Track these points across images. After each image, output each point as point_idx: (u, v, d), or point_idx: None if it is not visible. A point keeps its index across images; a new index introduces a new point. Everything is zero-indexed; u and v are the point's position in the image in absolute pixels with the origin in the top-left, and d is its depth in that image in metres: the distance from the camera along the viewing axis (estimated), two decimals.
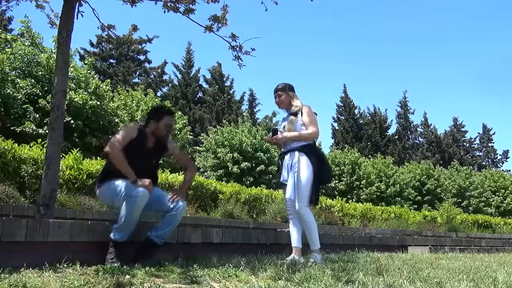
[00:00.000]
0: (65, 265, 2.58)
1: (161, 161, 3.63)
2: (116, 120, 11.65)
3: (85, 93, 10.76)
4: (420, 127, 38.89)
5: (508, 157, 38.33)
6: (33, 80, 10.40)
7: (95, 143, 10.66)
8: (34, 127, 9.71)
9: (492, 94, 64.84)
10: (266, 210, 8.73)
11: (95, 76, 12.57)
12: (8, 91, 9.75)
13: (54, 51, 10.51)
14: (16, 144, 6.01)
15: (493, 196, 22.37)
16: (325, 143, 47.99)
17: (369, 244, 6.12)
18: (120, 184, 3.13)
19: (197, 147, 17.75)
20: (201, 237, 3.83)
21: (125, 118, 11.91)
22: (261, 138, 15.58)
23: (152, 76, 31.30)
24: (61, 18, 3.74)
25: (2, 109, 9.71)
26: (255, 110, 30.94)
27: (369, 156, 24.79)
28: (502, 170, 31.51)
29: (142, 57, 31.80)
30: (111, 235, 3.07)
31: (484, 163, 38.01)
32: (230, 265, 2.89)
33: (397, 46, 59.18)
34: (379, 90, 61.21)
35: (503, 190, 22.67)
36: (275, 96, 3.89)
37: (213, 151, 15.69)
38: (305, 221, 3.63)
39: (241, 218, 7.76)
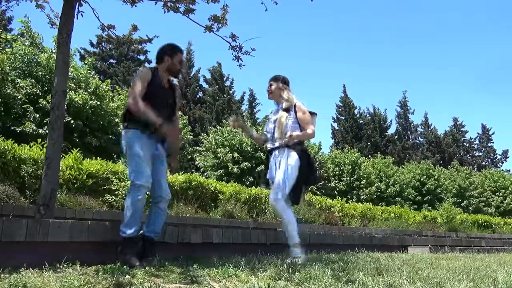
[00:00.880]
0: (65, 265, 2.58)
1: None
2: (116, 120, 11.65)
3: (85, 93, 10.77)
4: (420, 127, 38.91)
5: (508, 157, 38.35)
6: (33, 80, 10.41)
7: (95, 143, 10.67)
8: (34, 127, 9.72)
9: (492, 94, 64.90)
10: (266, 210, 8.73)
11: (95, 76, 12.58)
12: (8, 91, 9.76)
13: (54, 51, 10.52)
14: (16, 144, 6.00)
15: (493, 196, 22.38)
16: (325, 143, 48.05)
17: (369, 244, 6.12)
18: (136, 157, 3.12)
19: (197, 147, 17.75)
20: (201, 237, 3.83)
21: None
22: None
23: None
24: (61, 18, 3.74)
25: (2, 109, 9.72)
26: (255, 110, 30.94)
27: (369, 156, 24.79)
28: (502, 170, 31.53)
29: (142, 57, 31.80)
30: (121, 233, 3.07)
31: (484, 163, 38.02)
32: (230, 265, 2.88)
33: (397, 46, 59.22)
34: (379, 90, 61.25)
35: (503, 190, 22.68)
36: (268, 85, 3.83)
37: (213, 151, 15.69)
38: (280, 216, 3.61)
39: (241, 218, 7.76)
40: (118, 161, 7.89)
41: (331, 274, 2.61)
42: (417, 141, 38.55)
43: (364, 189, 17.91)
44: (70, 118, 9.99)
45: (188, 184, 7.66)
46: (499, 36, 58.28)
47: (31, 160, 5.85)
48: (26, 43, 10.95)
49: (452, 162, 27.10)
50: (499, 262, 4.37)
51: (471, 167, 29.41)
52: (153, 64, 3.54)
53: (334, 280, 2.39)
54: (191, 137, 16.82)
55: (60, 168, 4.83)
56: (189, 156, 16.78)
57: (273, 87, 3.75)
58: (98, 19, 4.38)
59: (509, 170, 33.05)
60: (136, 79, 3.29)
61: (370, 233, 8.81)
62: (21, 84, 10.13)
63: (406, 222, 11.94)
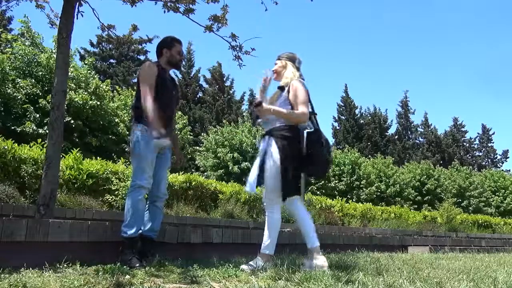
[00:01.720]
0: (65, 265, 2.58)
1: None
2: (116, 120, 11.65)
3: (85, 93, 10.78)
4: (420, 127, 38.92)
5: (508, 157, 38.37)
6: (33, 80, 10.42)
7: (95, 143, 10.67)
8: (34, 127, 9.73)
9: (492, 94, 64.92)
10: None
11: (95, 76, 12.58)
12: (9, 91, 9.77)
13: (54, 51, 10.52)
14: (16, 144, 6.01)
15: (493, 196, 22.39)
16: None
17: (369, 244, 6.12)
18: (140, 157, 3.14)
19: (197, 147, 17.75)
20: (201, 237, 3.83)
21: (125, 118, 11.91)
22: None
23: None
24: (61, 18, 3.74)
25: (2, 109, 9.72)
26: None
27: (369, 156, 24.79)
28: (502, 170, 31.52)
29: (142, 57, 31.79)
30: (122, 233, 3.07)
31: (484, 163, 38.04)
32: (230, 265, 2.88)
33: (398, 46, 59.22)
34: (379, 90, 61.25)
35: (503, 190, 22.69)
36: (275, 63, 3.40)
37: (213, 151, 15.70)
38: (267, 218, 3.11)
39: (241, 218, 7.76)
40: (118, 161, 7.89)
41: (331, 274, 2.61)
42: (417, 141, 38.57)
43: (364, 189, 17.92)
44: (70, 118, 9.99)
45: (188, 184, 7.66)
46: (499, 36, 58.32)
47: (31, 160, 5.85)
48: (26, 43, 10.95)
49: (453, 162, 27.10)
50: (499, 262, 4.37)
51: (471, 167, 29.41)
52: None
53: (334, 280, 2.39)
54: (191, 137, 16.82)
55: (60, 168, 4.83)
56: (189, 156, 16.77)
57: (277, 66, 3.34)
58: (98, 19, 4.39)
59: (509, 170, 33.08)
60: (146, 78, 3.21)
61: (370, 233, 8.81)
62: (21, 84, 10.13)
63: (406, 222, 11.94)
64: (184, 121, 15.81)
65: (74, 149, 6.85)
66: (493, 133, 39.44)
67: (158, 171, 3.29)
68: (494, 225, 15.86)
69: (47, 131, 3.77)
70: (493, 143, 39.21)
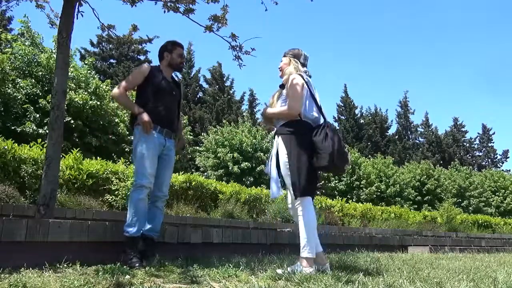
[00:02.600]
0: (65, 265, 2.58)
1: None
2: (116, 120, 11.65)
3: (85, 93, 10.77)
4: (420, 127, 38.93)
5: (508, 157, 38.38)
6: (33, 80, 10.41)
7: (95, 143, 10.66)
8: (34, 127, 9.72)
9: (492, 94, 64.91)
10: (266, 210, 8.74)
11: (95, 76, 12.57)
12: (9, 91, 9.76)
13: (54, 51, 10.52)
14: (16, 144, 6.01)
15: (493, 196, 22.40)
16: None
17: (369, 244, 6.12)
18: (141, 157, 3.15)
19: (197, 147, 17.75)
20: (201, 237, 3.83)
21: (125, 118, 11.90)
22: (261, 138, 15.58)
23: None
24: (61, 18, 3.74)
25: (2, 109, 9.72)
26: (255, 110, 30.93)
27: (369, 156, 24.79)
28: (502, 170, 31.53)
29: (142, 57, 31.79)
30: (124, 233, 3.08)
31: (484, 163, 38.04)
32: (230, 265, 2.88)
33: (398, 46, 59.21)
34: (379, 90, 61.25)
35: (503, 190, 22.70)
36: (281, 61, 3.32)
37: (213, 151, 15.70)
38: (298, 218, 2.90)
39: (241, 218, 7.76)
40: (118, 161, 7.89)
41: (331, 274, 2.61)
42: (418, 141, 38.59)
43: (364, 189, 17.92)
44: (70, 118, 9.98)
45: (188, 184, 7.66)
46: (499, 36, 58.30)
47: (31, 160, 5.85)
48: (26, 43, 10.94)
49: (453, 162, 27.09)
50: (499, 262, 4.37)
51: (471, 167, 29.40)
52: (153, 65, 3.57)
53: (334, 280, 2.39)
54: (191, 137, 16.81)
55: (60, 168, 4.83)
56: (189, 156, 16.77)
57: (282, 63, 3.25)
58: (98, 19, 4.38)
59: (509, 170, 33.08)
60: (131, 73, 3.44)
61: (370, 233, 8.81)
62: (21, 84, 10.12)
63: (406, 222, 11.95)
64: (184, 121, 15.80)
65: (74, 149, 6.85)
66: (493, 133, 39.50)
67: (161, 171, 3.29)
68: (494, 225, 15.87)
69: (47, 131, 3.77)
70: (493, 143, 39.27)
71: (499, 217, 18.43)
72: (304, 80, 3.08)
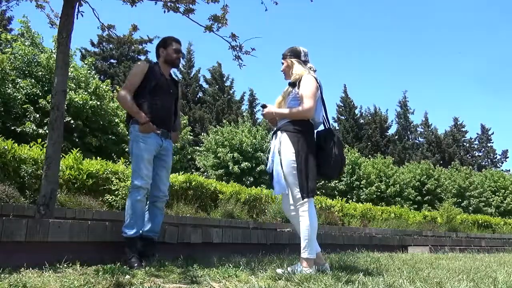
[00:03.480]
0: (65, 265, 2.58)
1: None
2: (116, 120, 11.65)
3: (85, 93, 10.78)
4: (420, 127, 38.93)
5: (508, 157, 38.40)
6: (33, 80, 10.41)
7: (95, 143, 10.67)
8: (34, 127, 9.72)
9: (491, 94, 64.93)
10: (266, 210, 8.73)
11: (95, 76, 12.58)
12: (9, 91, 9.76)
13: (54, 51, 10.52)
14: (16, 144, 6.00)
15: (493, 196, 22.39)
16: None
17: (369, 244, 6.12)
18: (137, 160, 3.14)
19: (197, 147, 17.74)
20: (201, 237, 3.83)
21: (125, 118, 11.93)
22: (261, 138, 15.58)
23: None
24: (61, 18, 3.73)
25: (2, 109, 9.72)
26: (255, 110, 30.94)
27: (369, 156, 24.80)
28: (502, 170, 31.55)
29: (142, 57, 31.78)
30: (123, 234, 3.07)
31: (483, 163, 38.04)
32: (230, 265, 2.88)
33: (397, 46, 59.22)
34: (379, 90, 61.24)
35: (503, 190, 22.69)
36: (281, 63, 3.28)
37: (213, 151, 15.70)
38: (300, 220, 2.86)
39: (241, 218, 7.75)
40: (118, 161, 7.89)
41: (331, 274, 2.61)
42: (417, 141, 38.59)
43: (364, 189, 17.93)
44: (70, 118, 9.99)
45: (188, 184, 7.66)
46: (499, 36, 58.30)
47: (31, 160, 5.84)
48: (26, 43, 10.95)
49: (453, 162, 27.09)
50: (499, 262, 4.38)
51: (471, 167, 29.41)
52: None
53: (334, 280, 2.39)
54: (191, 137, 16.81)
55: (60, 168, 4.83)
56: (189, 157, 16.76)
57: (284, 65, 3.21)
58: (98, 19, 4.38)
59: (509, 170, 33.09)
60: (130, 72, 3.38)
61: (370, 233, 8.81)
62: (21, 84, 10.13)
63: (406, 222, 11.94)
64: (184, 121, 15.81)
65: (74, 149, 6.84)
66: (492, 133, 39.50)
67: (159, 171, 3.28)
68: (494, 225, 15.86)
69: (47, 131, 3.77)
70: (492, 143, 39.27)
71: (499, 217, 18.42)
72: (317, 82, 3.05)
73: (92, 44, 30.25)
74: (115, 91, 14.39)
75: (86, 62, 12.82)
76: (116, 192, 6.52)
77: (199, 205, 7.77)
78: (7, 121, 9.72)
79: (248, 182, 14.05)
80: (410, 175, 20.47)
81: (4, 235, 2.63)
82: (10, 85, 9.91)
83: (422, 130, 38.71)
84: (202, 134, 18.74)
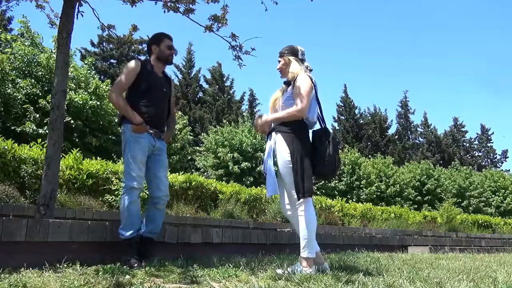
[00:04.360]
0: (65, 265, 2.58)
1: None
2: (116, 120, 11.64)
3: (85, 93, 10.78)
4: (420, 127, 38.94)
5: (507, 157, 38.41)
6: (33, 80, 10.41)
7: (95, 143, 10.67)
8: (34, 127, 9.72)
9: (491, 94, 64.94)
10: (266, 210, 8.73)
11: (95, 76, 12.58)
12: (8, 91, 9.76)
13: (54, 51, 10.52)
14: (16, 144, 6.00)
15: (493, 196, 22.38)
16: None
17: (369, 244, 6.12)
18: (129, 160, 3.11)
19: (197, 147, 17.73)
20: (201, 237, 3.83)
21: None
22: (261, 138, 15.57)
23: None
24: (61, 18, 3.73)
25: (2, 109, 9.72)
26: (255, 110, 30.93)
27: (369, 156, 24.80)
28: (502, 170, 31.55)
29: (142, 57, 31.67)
30: (120, 236, 3.07)
31: (483, 163, 38.05)
32: (230, 265, 2.88)
33: (397, 46, 59.22)
34: (379, 90, 61.25)
35: (503, 190, 22.69)
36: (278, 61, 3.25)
37: (213, 151, 15.70)
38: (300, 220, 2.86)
39: (241, 218, 7.75)
40: (118, 161, 7.89)
41: (331, 274, 2.61)
42: (417, 141, 38.60)
43: (364, 189, 17.92)
44: (70, 118, 9.99)
45: (188, 184, 7.66)
46: (499, 36, 58.30)
47: (31, 160, 5.84)
48: (26, 43, 10.95)
49: (453, 162, 27.08)
50: (499, 262, 4.38)
51: (471, 167, 29.41)
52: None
53: (334, 280, 2.39)
54: (191, 137, 16.80)
55: (60, 168, 4.83)
56: (189, 157, 16.76)
57: (280, 63, 3.18)
58: (98, 19, 4.38)
59: (509, 170, 33.09)
60: (123, 72, 3.31)
61: (370, 233, 8.81)
62: (21, 84, 10.13)
63: (406, 222, 11.93)
64: (184, 121, 15.79)
65: (74, 149, 6.84)
66: (492, 133, 39.50)
67: (155, 172, 3.25)
68: (494, 225, 15.85)
69: (47, 131, 3.77)
70: (492, 143, 39.29)
71: (499, 217, 18.41)
72: (312, 82, 3.03)
73: (92, 44, 30.23)
74: None
75: (86, 62, 12.82)
76: (116, 192, 6.52)
77: (199, 205, 7.77)
78: (7, 121, 9.72)
79: (248, 182, 14.04)
80: (410, 175, 20.47)
81: (4, 235, 2.63)
82: (10, 85, 9.91)
83: (422, 130, 38.73)
84: (202, 134, 18.74)
